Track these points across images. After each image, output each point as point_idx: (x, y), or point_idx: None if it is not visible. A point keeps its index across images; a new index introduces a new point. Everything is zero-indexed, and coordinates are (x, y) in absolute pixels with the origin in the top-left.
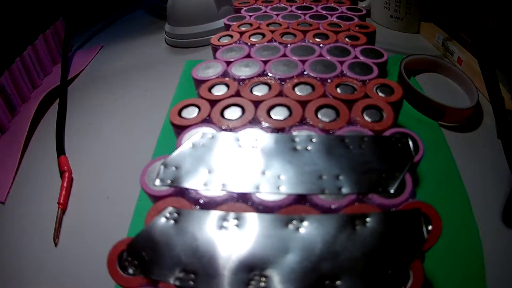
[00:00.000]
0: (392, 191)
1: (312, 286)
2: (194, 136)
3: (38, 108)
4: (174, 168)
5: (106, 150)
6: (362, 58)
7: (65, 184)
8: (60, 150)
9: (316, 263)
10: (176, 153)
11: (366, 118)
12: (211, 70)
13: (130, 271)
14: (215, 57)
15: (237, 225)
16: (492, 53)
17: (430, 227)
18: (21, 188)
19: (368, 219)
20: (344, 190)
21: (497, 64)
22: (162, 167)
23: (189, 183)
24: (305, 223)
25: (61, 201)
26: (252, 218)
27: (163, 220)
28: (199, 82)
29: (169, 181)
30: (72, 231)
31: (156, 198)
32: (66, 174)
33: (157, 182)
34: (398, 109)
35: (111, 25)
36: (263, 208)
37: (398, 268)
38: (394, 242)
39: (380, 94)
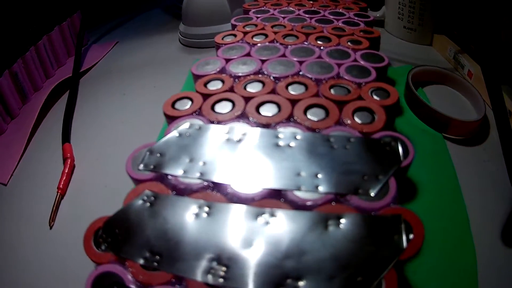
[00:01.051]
0: (372, 194)
1: (273, 283)
2: (182, 126)
3: (48, 97)
4: (158, 155)
5: (110, 141)
6: (361, 62)
7: (66, 170)
8: (65, 137)
9: (281, 259)
10: (162, 140)
11: (357, 119)
12: (210, 67)
13: (103, 247)
14: (216, 54)
15: (208, 213)
16: (497, 65)
17: (411, 236)
18: (24, 172)
19: (342, 220)
20: (321, 189)
21: (505, 78)
22: (147, 153)
23: (169, 170)
24: (275, 218)
25: (61, 186)
26: (224, 208)
27: (139, 202)
28: (197, 77)
29: (152, 167)
30: (67, 216)
31: (137, 182)
32: (68, 161)
33: (141, 166)
34: (393, 113)
35: (128, 21)
36: (237, 199)
37: (370, 276)
38: (368, 248)
39: (375, 97)
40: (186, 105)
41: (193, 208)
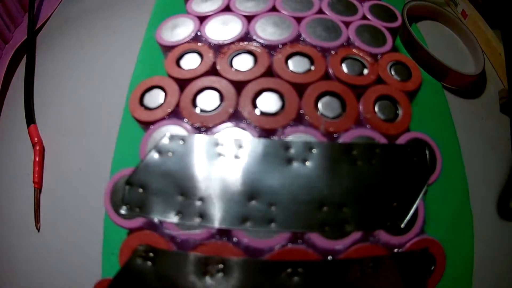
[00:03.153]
0: (403, 225)
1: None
2: (161, 141)
3: (9, 68)
4: (140, 190)
5: (74, 110)
6: (372, 20)
7: (37, 159)
8: (30, 118)
9: None
10: (140, 167)
11: (379, 114)
12: (180, 30)
13: None
14: (186, 9)
15: (222, 272)
16: None
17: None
18: None
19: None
20: (349, 228)
21: None
22: (127, 187)
23: (159, 212)
24: (301, 272)
25: (36, 179)
26: (239, 265)
27: (138, 262)
28: (165, 49)
29: (137, 209)
30: (51, 212)
31: (126, 230)
32: (37, 147)
33: (124, 209)
34: (412, 99)
35: None
36: (251, 250)
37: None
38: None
39: (395, 77)
40: (158, 98)
41: (202, 267)
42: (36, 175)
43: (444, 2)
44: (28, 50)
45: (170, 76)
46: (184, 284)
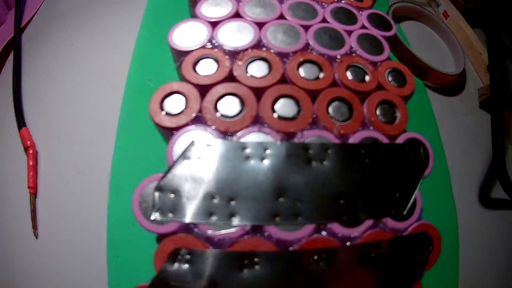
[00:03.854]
0: (405, 213)
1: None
2: (189, 147)
3: None
4: (171, 195)
5: (67, 110)
6: (370, 28)
7: (31, 163)
8: (20, 121)
9: None
10: (171, 174)
11: (381, 117)
12: (193, 36)
13: None
14: (193, 12)
15: (258, 265)
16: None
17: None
18: None
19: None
20: (362, 216)
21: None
22: (157, 193)
23: (193, 216)
24: (324, 257)
25: (31, 184)
26: (272, 257)
27: (175, 264)
28: (179, 53)
29: (170, 214)
30: (48, 219)
31: (160, 235)
32: (31, 151)
33: (156, 215)
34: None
35: None
36: (282, 242)
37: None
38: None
39: (392, 83)
40: (179, 105)
41: (240, 263)
42: (31, 180)
43: (426, 3)
44: (15, 48)
45: (189, 82)
46: (223, 280)
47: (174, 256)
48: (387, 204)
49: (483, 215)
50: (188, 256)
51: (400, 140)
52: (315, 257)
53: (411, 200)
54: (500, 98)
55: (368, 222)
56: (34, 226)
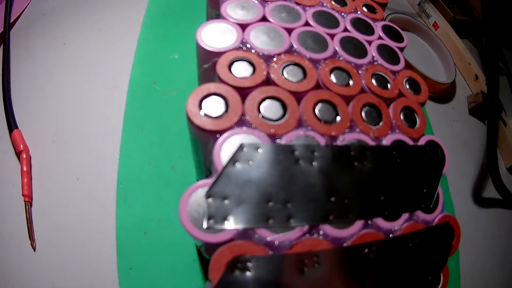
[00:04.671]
0: (432, 206)
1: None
2: (237, 151)
3: None
4: (224, 201)
5: (62, 113)
6: (385, 39)
7: (25, 169)
8: (11, 122)
9: None
10: (221, 179)
11: (404, 122)
12: (225, 37)
13: None
14: (211, 13)
15: (317, 264)
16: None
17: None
18: None
19: None
20: (400, 210)
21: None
22: (209, 200)
23: (250, 221)
24: (374, 249)
25: (26, 192)
26: (330, 254)
27: (236, 272)
28: (210, 54)
29: (224, 221)
30: (45, 230)
31: (214, 245)
32: (24, 155)
33: (210, 224)
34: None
35: None
36: (337, 239)
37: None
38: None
39: (409, 90)
40: (219, 107)
41: (301, 264)
42: (26, 187)
43: (417, 14)
44: (4, 45)
45: (226, 84)
46: (286, 282)
47: (233, 265)
48: (417, 199)
49: (478, 213)
50: (248, 263)
51: (422, 142)
52: (366, 250)
53: (435, 195)
54: (496, 106)
55: (405, 216)
56: (32, 238)
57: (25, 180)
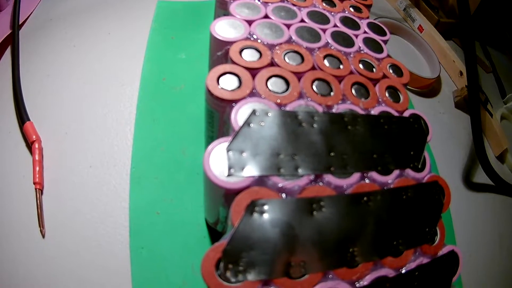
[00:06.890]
0: (420, 166)
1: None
2: (251, 115)
3: None
4: (242, 153)
5: (74, 107)
6: (371, 34)
7: (37, 158)
8: (23, 114)
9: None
10: (239, 136)
11: (389, 98)
12: (234, 30)
13: (233, 279)
14: (219, 13)
15: (324, 207)
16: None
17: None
18: None
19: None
20: (392, 167)
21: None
22: (230, 153)
23: (265, 170)
24: (372, 198)
25: (37, 180)
26: (334, 200)
27: (254, 215)
28: (222, 43)
29: (242, 170)
30: (57, 216)
31: (233, 191)
32: (36, 145)
33: (231, 171)
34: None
35: None
36: (339, 187)
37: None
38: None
39: (393, 74)
40: (233, 83)
41: (310, 207)
42: (38, 175)
43: (403, 18)
44: (13, 42)
45: (239, 65)
46: (299, 223)
47: (252, 208)
48: (406, 158)
49: (469, 198)
50: (265, 206)
51: (406, 114)
52: (365, 198)
53: (422, 157)
54: (477, 96)
55: (396, 172)
56: (41, 224)
57: (37, 168)
